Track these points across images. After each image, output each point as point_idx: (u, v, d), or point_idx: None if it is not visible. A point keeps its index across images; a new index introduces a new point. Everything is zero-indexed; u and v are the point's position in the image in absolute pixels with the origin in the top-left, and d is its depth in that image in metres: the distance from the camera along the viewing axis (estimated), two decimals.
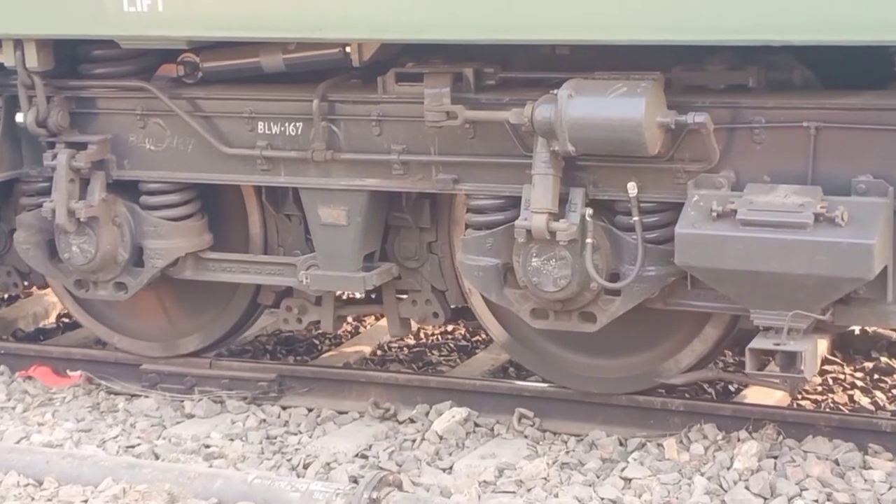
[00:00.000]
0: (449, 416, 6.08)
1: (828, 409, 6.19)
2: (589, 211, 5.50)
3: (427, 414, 6.20)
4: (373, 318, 7.62)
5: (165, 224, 6.36)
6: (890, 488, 5.29)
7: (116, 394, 6.72)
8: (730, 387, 6.53)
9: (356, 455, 5.91)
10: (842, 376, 6.69)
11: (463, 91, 5.69)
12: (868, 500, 5.20)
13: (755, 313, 5.24)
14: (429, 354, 7.24)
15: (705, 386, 6.54)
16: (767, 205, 5.12)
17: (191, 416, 6.42)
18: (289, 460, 5.89)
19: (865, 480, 5.36)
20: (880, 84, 5.34)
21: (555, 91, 5.31)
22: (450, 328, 7.52)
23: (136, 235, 6.41)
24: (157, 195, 6.40)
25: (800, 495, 5.27)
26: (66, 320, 7.88)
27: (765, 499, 5.27)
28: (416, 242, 6.27)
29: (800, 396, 6.37)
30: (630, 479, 5.48)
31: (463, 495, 5.39)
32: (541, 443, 5.93)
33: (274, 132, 6.07)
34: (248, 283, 6.50)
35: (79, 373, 6.87)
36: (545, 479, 5.56)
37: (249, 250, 6.54)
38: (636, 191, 5.43)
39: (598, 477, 5.56)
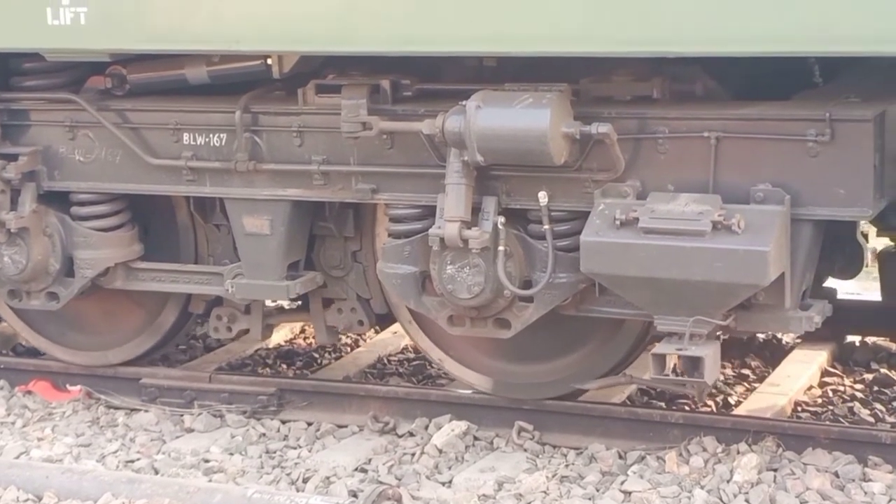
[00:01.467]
0: (448, 430, 6.09)
1: (827, 422, 6.22)
2: (501, 219, 5.61)
3: (426, 427, 6.21)
4: (372, 331, 7.61)
5: (95, 234, 6.45)
6: (890, 500, 5.31)
7: (116, 408, 6.74)
8: (729, 399, 6.59)
9: (356, 469, 5.92)
10: (841, 388, 6.73)
11: (381, 102, 5.80)
12: None
13: (659, 319, 5.35)
14: (428, 368, 7.22)
15: (706, 398, 6.59)
16: (668, 213, 5.23)
17: (190, 431, 6.43)
18: (288, 474, 5.89)
19: (865, 493, 5.37)
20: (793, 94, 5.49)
21: (464, 103, 5.42)
22: None
23: (66, 246, 6.49)
24: (87, 206, 6.49)
25: None
26: None
27: None
28: (341, 251, 6.36)
29: (800, 409, 6.42)
30: (630, 493, 5.48)
31: None
32: (540, 456, 5.94)
33: (199, 143, 6.17)
34: (178, 292, 6.59)
35: (78, 387, 6.87)
36: (545, 492, 5.56)
37: (180, 260, 6.64)
38: (547, 200, 5.54)
39: (597, 490, 5.57)
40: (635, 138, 5.45)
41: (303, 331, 7.92)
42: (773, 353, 7.11)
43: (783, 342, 7.22)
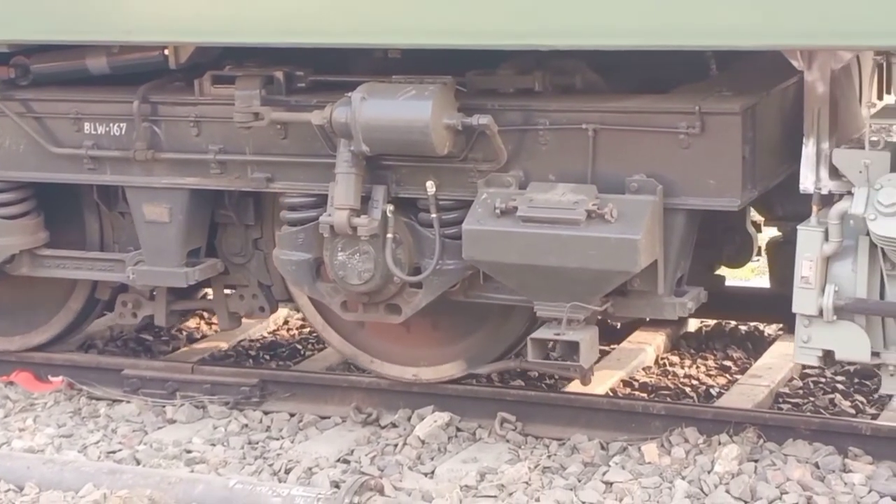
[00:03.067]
0: (431, 421, 6.09)
1: (808, 413, 6.24)
2: (390, 207, 5.76)
3: (409, 419, 6.21)
4: None
5: (1, 222, 6.55)
6: (870, 491, 5.32)
7: (98, 399, 6.71)
8: (711, 390, 6.66)
9: (338, 460, 5.92)
10: (823, 380, 6.75)
11: (275, 93, 5.94)
12: (848, 503, 5.23)
13: (538, 305, 5.52)
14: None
15: (687, 390, 6.66)
16: (545, 202, 5.40)
17: (172, 422, 6.41)
18: (270, 465, 5.89)
19: (846, 484, 5.39)
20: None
21: (349, 94, 5.57)
22: None
23: None
24: None
25: (780, 499, 5.29)
26: None
27: (745, 502, 5.29)
28: (242, 239, 6.50)
29: (781, 400, 6.45)
30: (611, 483, 5.50)
31: (444, 500, 5.41)
32: (522, 447, 5.94)
33: (100, 132, 6.29)
34: (82, 279, 6.71)
35: (60, 378, 6.86)
36: (527, 483, 5.56)
37: (87, 248, 6.76)
38: (434, 189, 5.70)
39: (579, 481, 5.58)
40: (518, 130, 5.61)
41: (286, 322, 7.93)
42: (755, 345, 7.16)
43: (765, 333, 7.26)
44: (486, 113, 5.52)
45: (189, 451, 6.05)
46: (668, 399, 6.47)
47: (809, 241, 5.16)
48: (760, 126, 5.48)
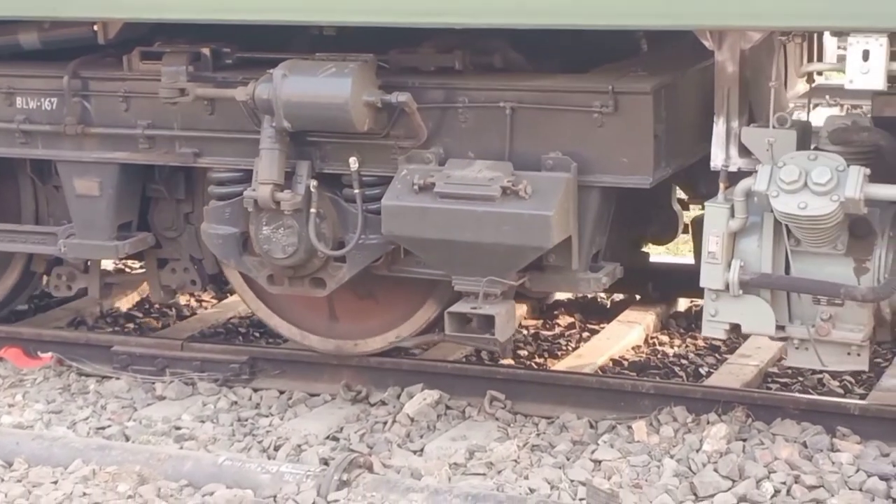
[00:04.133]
0: (420, 399, 6.10)
1: (797, 393, 6.27)
2: (314, 183, 5.86)
3: (398, 396, 6.21)
4: None
5: None
6: (857, 471, 5.35)
7: (87, 375, 6.71)
8: (700, 370, 6.69)
9: (327, 437, 5.93)
10: None
11: (203, 70, 6.03)
12: (835, 482, 5.24)
13: (456, 279, 5.64)
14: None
15: (676, 369, 6.70)
16: (462, 179, 5.51)
17: (162, 398, 6.42)
18: (259, 442, 5.91)
19: (833, 463, 5.42)
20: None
21: (272, 71, 5.66)
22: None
23: None
24: None
25: (768, 478, 5.31)
26: (37, 301, 7.80)
27: (733, 481, 5.30)
28: (174, 213, 6.58)
29: (769, 380, 6.47)
30: (600, 462, 5.52)
31: (433, 477, 5.42)
32: (511, 425, 5.95)
33: (31, 107, 6.37)
34: (16, 251, 6.80)
35: (50, 354, 6.86)
36: (515, 461, 5.58)
37: (23, 221, 6.84)
38: (357, 165, 5.80)
39: (568, 459, 5.59)
40: (439, 107, 5.71)
41: None
42: None
43: None
44: (408, 91, 5.62)
45: (178, 428, 6.07)
46: (658, 378, 6.51)
47: (716, 218, 5.28)
48: (675, 105, 5.60)
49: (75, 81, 6.23)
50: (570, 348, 6.99)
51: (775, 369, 6.61)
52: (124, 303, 7.78)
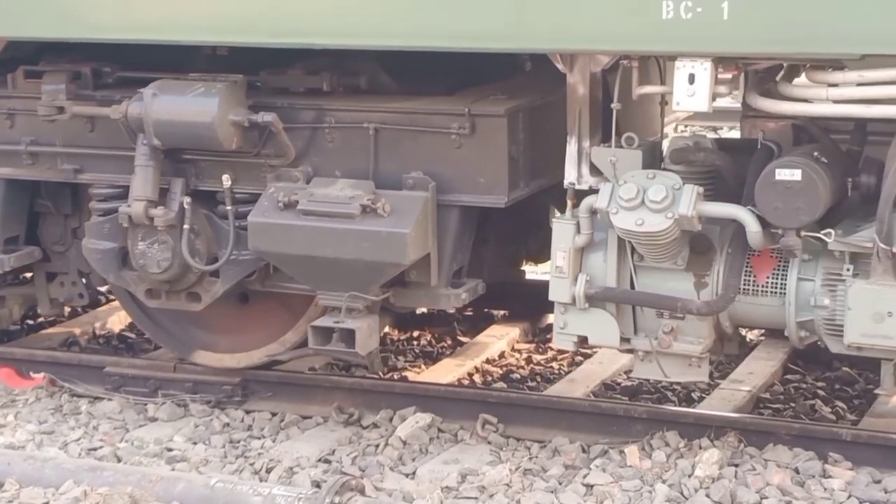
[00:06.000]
0: (413, 422, 6.12)
1: (789, 418, 6.28)
2: (187, 199, 6.05)
3: (391, 419, 6.23)
4: None
5: None
6: (849, 497, 5.36)
7: (79, 396, 6.74)
8: (692, 394, 6.71)
9: (319, 460, 5.94)
10: (803, 385, 6.79)
11: (83, 88, 6.23)
12: None
13: (321, 294, 5.84)
14: (393, 360, 7.27)
15: (668, 394, 6.74)
16: (324, 197, 5.71)
17: (154, 420, 6.44)
18: (252, 464, 5.91)
19: (825, 489, 5.42)
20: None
21: (143, 90, 5.87)
22: (415, 334, 7.63)
23: None
24: None
25: (760, 503, 5.34)
26: (30, 322, 7.86)
27: None
28: (62, 228, 6.76)
29: (762, 405, 6.49)
30: (592, 486, 5.51)
31: (425, 500, 5.44)
32: (504, 449, 5.96)
33: None
34: None
35: (42, 375, 6.88)
36: (507, 485, 5.57)
37: None
38: (230, 182, 6.01)
39: (560, 483, 5.58)
40: (308, 127, 5.92)
41: None
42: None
43: (747, 338, 7.22)
44: (277, 111, 5.82)
45: (170, 450, 6.10)
46: (650, 402, 6.55)
47: (562, 233, 5.48)
48: (536, 128, 5.81)
49: None
50: (562, 372, 7.06)
51: (767, 395, 6.65)
52: (117, 324, 7.86)
